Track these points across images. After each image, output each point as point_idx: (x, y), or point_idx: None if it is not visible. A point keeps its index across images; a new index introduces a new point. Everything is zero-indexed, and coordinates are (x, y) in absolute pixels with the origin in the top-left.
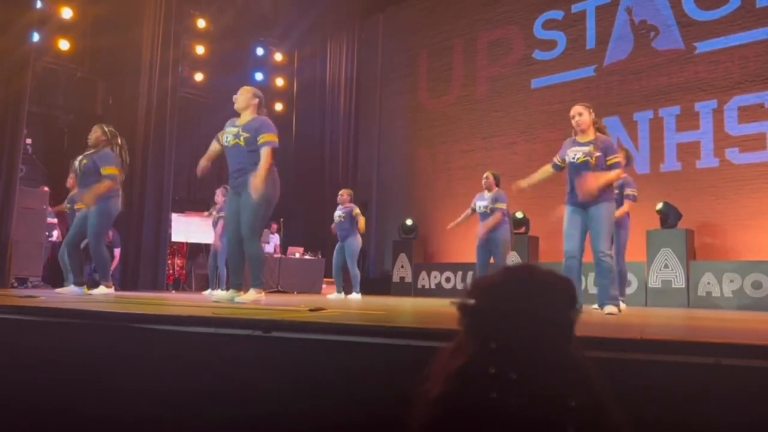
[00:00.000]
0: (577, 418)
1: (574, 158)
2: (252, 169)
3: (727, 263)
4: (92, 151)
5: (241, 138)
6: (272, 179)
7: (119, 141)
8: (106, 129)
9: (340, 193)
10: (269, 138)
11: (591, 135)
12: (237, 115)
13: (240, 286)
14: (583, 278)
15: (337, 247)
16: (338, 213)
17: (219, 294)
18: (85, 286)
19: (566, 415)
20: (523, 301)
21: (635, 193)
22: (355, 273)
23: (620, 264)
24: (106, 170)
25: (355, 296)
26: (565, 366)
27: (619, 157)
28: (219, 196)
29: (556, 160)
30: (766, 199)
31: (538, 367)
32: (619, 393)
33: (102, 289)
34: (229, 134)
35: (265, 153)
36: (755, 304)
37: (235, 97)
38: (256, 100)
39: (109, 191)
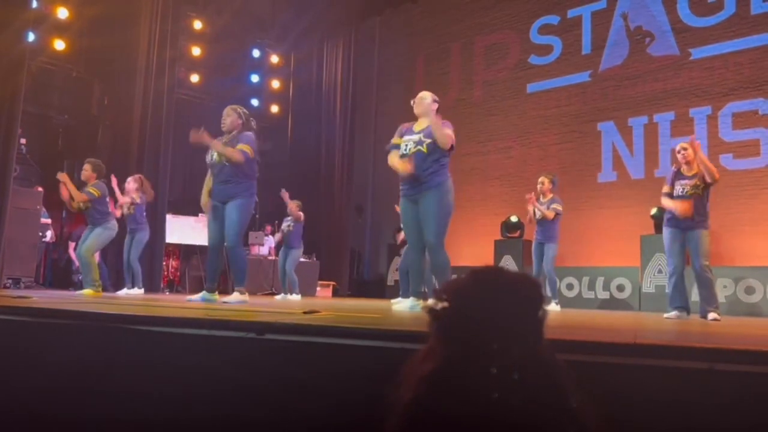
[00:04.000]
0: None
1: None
2: (431, 175)
3: (721, 269)
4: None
5: (424, 145)
6: (450, 185)
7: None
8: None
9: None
10: (449, 133)
11: (695, 168)
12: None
13: (419, 294)
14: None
15: (282, 252)
16: (288, 223)
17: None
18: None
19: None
20: (491, 303)
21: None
22: (294, 278)
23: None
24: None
25: (296, 297)
26: (534, 367)
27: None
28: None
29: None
30: (760, 206)
31: (515, 367)
32: (612, 397)
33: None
34: (409, 142)
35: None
36: (748, 309)
37: (413, 101)
38: (436, 105)
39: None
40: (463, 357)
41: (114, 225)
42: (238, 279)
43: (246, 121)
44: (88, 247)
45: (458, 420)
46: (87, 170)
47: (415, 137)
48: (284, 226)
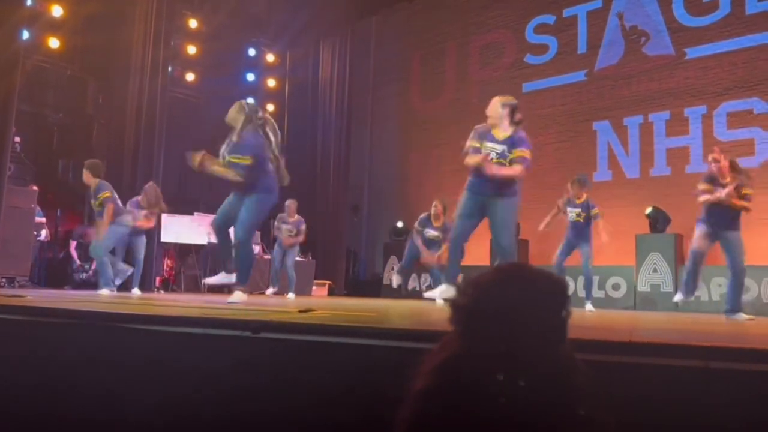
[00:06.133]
0: (581, 426)
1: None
2: (507, 184)
3: (716, 268)
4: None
5: (507, 159)
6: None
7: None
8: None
9: (287, 205)
10: (524, 153)
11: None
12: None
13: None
14: None
15: (278, 250)
16: (288, 227)
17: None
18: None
19: (572, 423)
20: (515, 300)
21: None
22: (293, 276)
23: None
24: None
25: (291, 296)
26: (558, 368)
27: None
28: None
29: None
30: (754, 205)
31: (532, 368)
32: (608, 396)
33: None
34: (492, 152)
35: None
36: (743, 308)
37: (488, 111)
38: (507, 109)
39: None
40: (477, 351)
41: (124, 220)
42: (241, 277)
43: (247, 115)
44: (103, 246)
45: (467, 412)
46: (87, 176)
47: (499, 148)
48: (284, 228)
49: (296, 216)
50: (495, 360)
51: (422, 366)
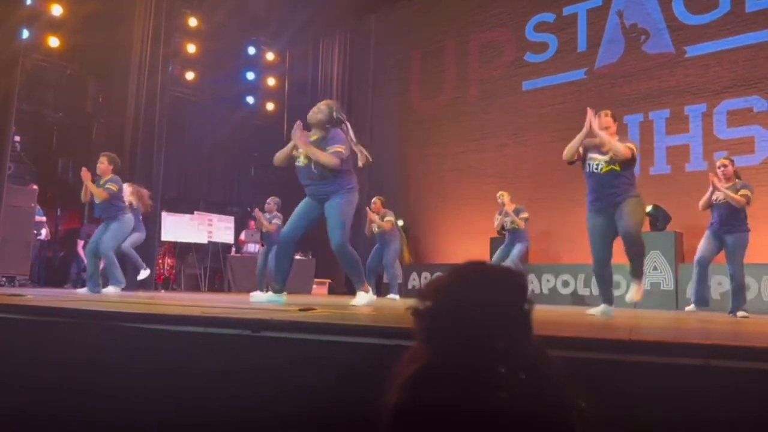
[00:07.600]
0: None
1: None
2: (625, 188)
3: (716, 266)
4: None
5: (617, 163)
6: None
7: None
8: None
9: (268, 201)
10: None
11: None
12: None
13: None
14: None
15: (264, 251)
16: (275, 221)
17: None
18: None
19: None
20: (476, 299)
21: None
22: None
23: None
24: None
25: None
26: (529, 362)
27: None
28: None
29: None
30: (754, 203)
31: (503, 366)
32: (607, 394)
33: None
34: (600, 161)
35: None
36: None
37: (602, 123)
38: (615, 125)
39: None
40: (446, 356)
41: (129, 218)
42: (356, 279)
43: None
44: (110, 245)
45: (443, 423)
46: (103, 163)
47: (607, 156)
48: (271, 223)
49: (275, 212)
50: (465, 364)
51: (393, 379)
